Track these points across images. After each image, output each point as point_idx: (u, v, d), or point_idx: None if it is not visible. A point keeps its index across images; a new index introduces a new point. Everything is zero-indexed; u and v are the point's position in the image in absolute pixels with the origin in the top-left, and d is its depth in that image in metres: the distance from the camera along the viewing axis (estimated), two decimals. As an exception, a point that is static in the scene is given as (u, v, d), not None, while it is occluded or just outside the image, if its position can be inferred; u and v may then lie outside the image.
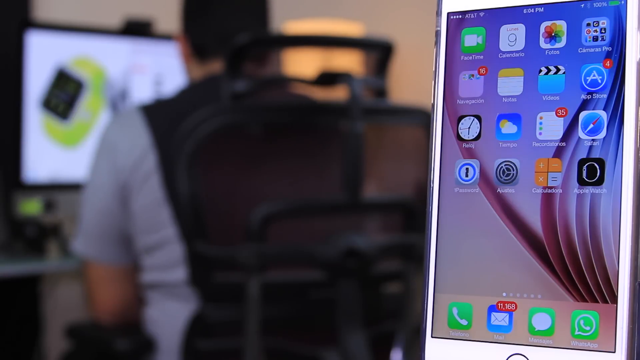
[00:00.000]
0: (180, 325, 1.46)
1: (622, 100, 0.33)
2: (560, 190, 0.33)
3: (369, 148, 1.38)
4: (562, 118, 0.34)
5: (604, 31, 0.33)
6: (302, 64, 2.30)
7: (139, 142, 1.50)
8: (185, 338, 1.44)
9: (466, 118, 0.35)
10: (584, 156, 0.33)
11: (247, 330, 1.30)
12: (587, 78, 0.34)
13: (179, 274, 1.47)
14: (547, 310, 0.33)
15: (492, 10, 0.36)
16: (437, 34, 0.36)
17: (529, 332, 0.33)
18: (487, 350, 0.33)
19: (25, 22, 2.19)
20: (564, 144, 0.34)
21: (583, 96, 0.33)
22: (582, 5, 0.34)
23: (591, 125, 0.33)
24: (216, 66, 1.58)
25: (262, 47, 1.58)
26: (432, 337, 0.34)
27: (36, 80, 2.16)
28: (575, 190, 0.33)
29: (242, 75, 1.35)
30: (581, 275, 0.32)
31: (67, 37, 2.20)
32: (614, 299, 0.32)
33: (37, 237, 2.16)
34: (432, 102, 0.36)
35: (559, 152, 0.34)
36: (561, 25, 0.34)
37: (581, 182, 0.33)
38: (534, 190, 0.34)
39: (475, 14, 0.36)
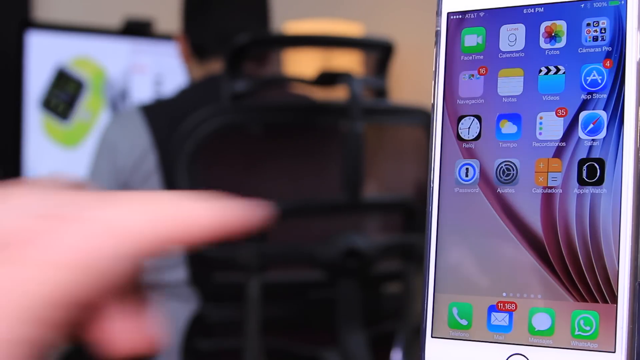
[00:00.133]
0: (180, 325, 1.46)
1: (622, 100, 0.33)
2: (560, 190, 0.33)
3: (369, 148, 1.38)
4: (562, 118, 0.34)
5: (604, 31, 0.33)
6: (302, 64, 2.30)
7: (139, 142, 1.50)
8: (185, 338, 1.44)
9: (466, 118, 0.36)
10: (584, 156, 0.33)
11: (247, 330, 1.30)
12: (587, 78, 0.34)
13: (179, 274, 1.47)
14: (547, 310, 0.33)
15: (492, 10, 0.36)
16: (437, 34, 0.36)
17: (529, 332, 0.33)
18: (487, 350, 0.33)
19: (25, 22, 2.19)
20: (564, 144, 0.34)
21: (583, 96, 0.33)
22: (582, 5, 0.34)
23: (591, 125, 0.33)
24: (216, 66, 1.58)
25: (262, 47, 1.58)
26: (432, 337, 0.34)
27: (36, 80, 2.16)
28: (575, 190, 0.33)
29: (242, 75, 1.35)
30: (581, 275, 0.32)
31: (67, 37, 2.20)
32: (614, 299, 0.32)
33: (37, 237, 2.16)
34: (432, 102, 0.36)
35: (559, 152, 0.34)
36: (561, 25, 0.34)
37: (581, 182, 0.33)
38: (534, 190, 0.34)
39: (475, 14, 0.36)
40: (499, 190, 0.34)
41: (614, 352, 0.31)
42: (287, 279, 1.42)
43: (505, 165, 0.34)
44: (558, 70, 0.34)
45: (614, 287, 0.32)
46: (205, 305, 1.41)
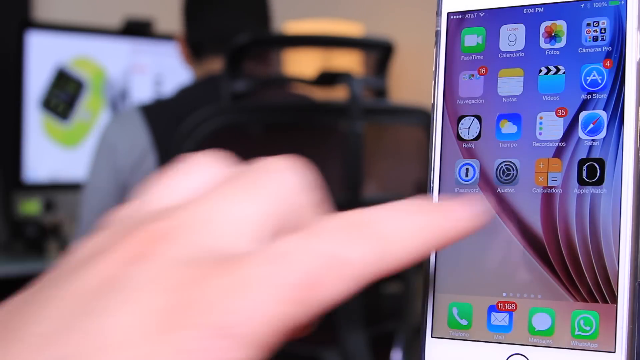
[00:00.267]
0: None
1: (622, 100, 0.33)
2: (560, 190, 0.33)
3: (369, 148, 1.38)
4: (562, 118, 0.34)
5: (604, 31, 0.33)
6: (302, 64, 2.30)
7: (139, 142, 1.50)
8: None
9: (466, 118, 0.36)
10: (584, 156, 0.33)
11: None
12: (587, 78, 0.34)
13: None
14: (547, 310, 0.33)
15: (492, 10, 0.36)
16: (437, 34, 0.36)
17: (529, 332, 0.33)
18: (487, 350, 0.33)
19: (25, 22, 2.19)
20: (564, 144, 0.33)
21: (583, 96, 0.33)
22: (582, 5, 0.34)
23: (591, 125, 0.33)
24: (213, 65, 1.58)
25: (262, 47, 1.58)
26: (432, 337, 0.34)
27: (36, 80, 2.16)
28: (575, 190, 0.33)
29: (242, 75, 1.35)
30: (581, 275, 0.32)
31: (67, 37, 2.20)
32: (614, 299, 0.32)
33: (37, 237, 2.16)
34: (432, 102, 0.36)
35: (559, 152, 0.34)
36: (561, 25, 0.34)
37: (581, 182, 0.33)
38: (534, 190, 0.34)
39: (475, 14, 0.36)
40: (499, 190, 0.34)
41: (614, 352, 0.31)
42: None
43: (505, 165, 0.34)
44: (558, 70, 0.34)
45: (614, 287, 0.32)
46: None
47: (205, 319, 0.23)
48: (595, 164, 0.33)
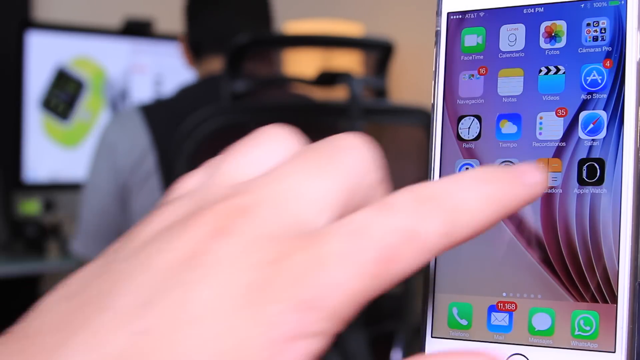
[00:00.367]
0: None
1: (622, 100, 0.33)
2: (560, 190, 0.33)
3: (369, 148, 1.38)
4: (562, 118, 0.34)
5: (604, 31, 0.33)
6: (302, 64, 2.30)
7: (139, 142, 1.50)
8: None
9: (466, 118, 0.35)
10: (584, 156, 0.33)
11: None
12: (587, 78, 0.34)
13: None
14: (547, 310, 0.33)
15: (492, 10, 0.36)
16: (437, 34, 0.36)
17: (529, 332, 0.33)
18: (487, 350, 0.33)
19: (25, 22, 2.19)
20: (564, 144, 0.33)
21: (583, 96, 0.33)
22: (582, 5, 0.34)
23: (591, 125, 0.33)
24: (213, 65, 1.58)
25: (262, 47, 1.58)
26: (432, 337, 0.34)
27: (36, 80, 2.16)
28: (575, 190, 0.33)
29: (242, 75, 1.35)
30: (581, 275, 0.32)
31: (67, 37, 2.20)
32: (614, 299, 0.32)
33: (37, 237, 2.16)
34: (432, 102, 0.36)
35: (559, 152, 0.34)
36: (561, 25, 0.34)
37: (581, 182, 0.33)
38: (534, 190, 0.34)
39: (475, 14, 0.36)
40: (499, 190, 0.34)
41: (614, 352, 0.31)
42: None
43: (505, 165, 0.34)
44: (558, 70, 0.34)
45: (614, 287, 0.32)
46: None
47: (289, 294, 0.24)
48: (595, 164, 0.33)
